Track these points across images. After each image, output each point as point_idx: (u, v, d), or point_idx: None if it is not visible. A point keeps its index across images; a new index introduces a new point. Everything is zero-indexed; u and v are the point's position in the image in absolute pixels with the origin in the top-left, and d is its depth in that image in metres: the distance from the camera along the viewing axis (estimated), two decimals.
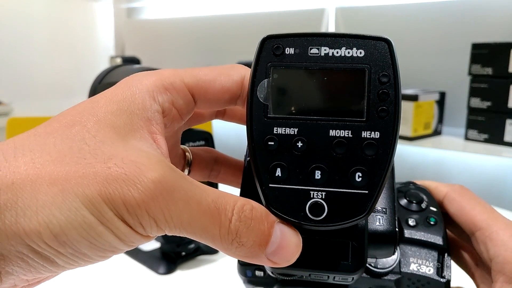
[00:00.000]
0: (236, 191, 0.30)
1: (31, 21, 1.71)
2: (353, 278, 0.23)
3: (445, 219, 0.33)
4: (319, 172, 0.21)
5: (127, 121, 0.20)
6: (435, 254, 0.32)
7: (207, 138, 0.59)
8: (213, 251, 0.65)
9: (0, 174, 0.18)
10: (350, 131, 0.21)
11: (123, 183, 0.18)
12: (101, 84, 0.66)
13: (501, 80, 0.91)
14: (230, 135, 1.39)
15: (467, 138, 0.98)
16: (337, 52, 0.21)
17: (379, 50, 0.21)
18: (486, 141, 0.95)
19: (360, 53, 0.21)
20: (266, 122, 0.21)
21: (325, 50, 0.21)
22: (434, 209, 0.33)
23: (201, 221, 0.19)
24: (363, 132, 0.21)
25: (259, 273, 0.30)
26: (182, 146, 0.29)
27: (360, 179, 0.20)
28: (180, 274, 0.60)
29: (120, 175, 0.18)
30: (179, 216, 0.19)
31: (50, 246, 0.18)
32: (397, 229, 0.26)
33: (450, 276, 0.31)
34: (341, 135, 0.21)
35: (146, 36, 1.88)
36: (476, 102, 0.95)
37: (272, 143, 0.21)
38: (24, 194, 0.17)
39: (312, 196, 0.21)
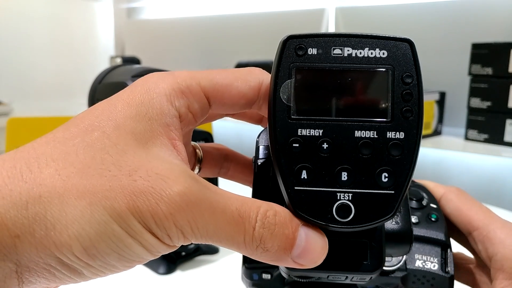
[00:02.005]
0: (245, 188, 0.30)
1: (31, 21, 1.71)
2: (371, 277, 0.23)
3: None
4: (346, 173, 0.21)
5: (147, 128, 0.20)
6: (438, 250, 0.32)
7: (207, 138, 0.59)
8: (213, 251, 0.65)
9: (26, 186, 0.18)
10: (375, 132, 0.21)
11: (150, 196, 0.18)
12: (101, 84, 0.66)
13: (501, 80, 0.91)
14: (230, 135, 1.39)
15: (467, 138, 0.98)
16: (360, 53, 0.21)
17: (402, 50, 0.21)
18: (486, 141, 0.95)
19: (383, 53, 0.21)
20: (290, 124, 0.21)
21: (348, 50, 0.21)
22: (434, 206, 0.34)
23: (226, 230, 0.19)
24: (388, 132, 0.21)
25: (266, 276, 0.30)
26: (193, 143, 0.29)
27: (386, 179, 0.20)
28: (180, 274, 0.60)
29: (147, 189, 0.18)
30: (205, 227, 0.19)
31: (79, 259, 0.18)
32: (412, 228, 0.26)
33: (453, 270, 0.31)
34: (366, 135, 0.21)
35: (146, 36, 1.88)
36: (476, 102, 0.95)
37: (297, 145, 0.21)
38: (52, 208, 0.17)
39: (338, 197, 0.21)
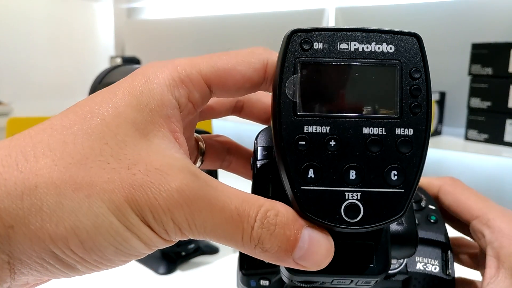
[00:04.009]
0: (245, 182, 0.29)
1: (31, 21, 1.71)
2: (376, 281, 0.22)
3: (442, 213, 0.34)
4: (354, 172, 0.20)
5: (148, 119, 0.19)
6: (438, 251, 0.32)
7: None
8: (213, 251, 0.65)
9: (22, 176, 0.17)
10: (383, 128, 0.20)
11: (149, 191, 0.18)
12: (101, 84, 0.66)
13: (501, 80, 0.91)
14: (230, 135, 1.39)
15: (467, 138, 0.98)
16: (367, 48, 0.21)
17: (409, 45, 0.21)
18: (486, 141, 0.95)
19: (390, 48, 0.21)
20: (296, 121, 0.20)
21: (354, 45, 0.21)
22: (433, 207, 0.33)
23: (224, 228, 0.19)
24: (397, 129, 0.20)
25: (264, 282, 0.29)
26: (196, 135, 0.28)
27: (395, 177, 0.20)
28: (180, 274, 0.60)
29: (146, 183, 0.18)
30: (203, 224, 0.19)
31: (75, 253, 0.18)
32: (417, 229, 0.26)
33: (454, 273, 0.31)
34: (375, 132, 0.20)
35: (146, 36, 1.87)
36: (476, 102, 0.95)
37: (303, 142, 0.20)
38: (49, 199, 0.17)
39: (347, 197, 0.20)
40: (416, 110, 0.20)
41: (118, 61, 1.45)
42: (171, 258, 0.61)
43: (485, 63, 0.93)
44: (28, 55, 1.70)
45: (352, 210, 0.20)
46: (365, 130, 0.20)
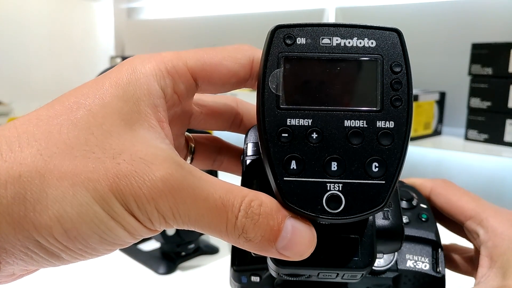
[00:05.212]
0: (239, 180, 0.30)
1: (30, 21, 1.71)
2: (362, 274, 0.23)
3: (434, 214, 0.34)
4: (335, 163, 0.20)
5: (134, 108, 0.20)
6: (429, 249, 0.32)
7: None
8: (213, 251, 0.65)
9: (6, 165, 0.17)
10: (365, 121, 0.20)
11: (133, 180, 0.18)
12: None
13: (501, 80, 0.91)
14: (230, 135, 1.39)
15: (467, 138, 0.98)
16: (349, 42, 0.21)
17: (390, 40, 0.21)
18: (486, 141, 0.95)
19: (372, 43, 0.21)
20: (278, 113, 0.21)
21: (337, 40, 0.21)
22: (425, 206, 0.34)
23: (208, 218, 0.19)
24: (378, 122, 0.20)
25: (255, 279, 0.30)
26: (186, 134, 0.28)
27: (376, 169, 0.20)
28: (180, 274, 0.60)
29: (130, 172, 0.18)
30: (187, 213, 0.19)
31: (59, 242, 0.18)
32: (403, 224, 0.26)
33: (444, 270, 0.31)
34: (356, 125, 0.20)
35: (146, 36, 1.87)
36: (476, 102, 0.95)
37: (286, 134, 0.20)
38: (33, 188, 0.17)
39: (329, 188, 0.20)
40: (397, 103, 0.21)
41: (118, 61, 1.45)
42: (171, 258, 0.61)
43: (485, 63, 0.93)
44: (28, 55, 1.70)
45: (334, 201, 0.20)
46: (347, 123, 0.21)
